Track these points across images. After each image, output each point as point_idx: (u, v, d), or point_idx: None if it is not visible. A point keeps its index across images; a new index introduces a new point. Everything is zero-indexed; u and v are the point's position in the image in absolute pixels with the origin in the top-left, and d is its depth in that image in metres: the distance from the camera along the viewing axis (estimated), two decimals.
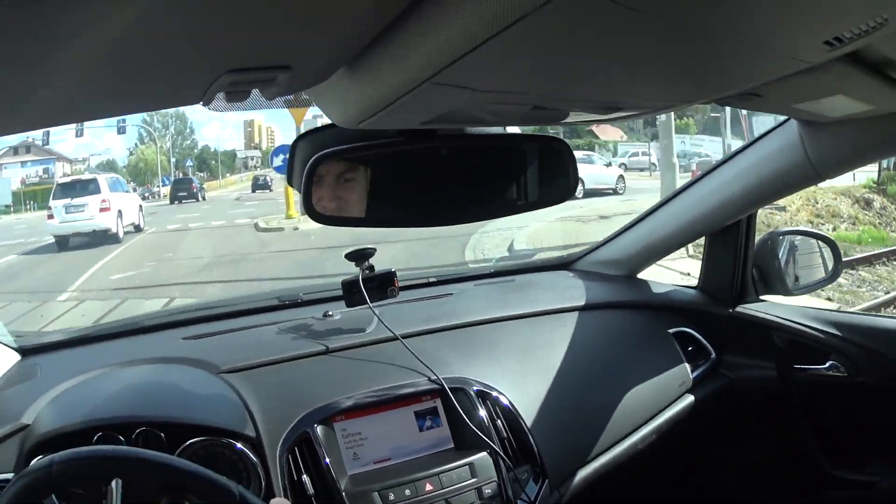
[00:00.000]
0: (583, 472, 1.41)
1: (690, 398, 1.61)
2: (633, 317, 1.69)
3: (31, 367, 1.40)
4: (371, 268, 1.44)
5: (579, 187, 14.92)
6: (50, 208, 11.90)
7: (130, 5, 0.42)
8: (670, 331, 1.68)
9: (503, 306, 1.63)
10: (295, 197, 12.65)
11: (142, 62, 0.54)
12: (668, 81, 0.83)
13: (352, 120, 0.78)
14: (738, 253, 1.68)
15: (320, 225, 1.00)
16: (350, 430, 1.25)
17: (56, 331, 1.62)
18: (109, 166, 24.18)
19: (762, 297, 1.73)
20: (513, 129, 1.10)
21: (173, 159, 27.51)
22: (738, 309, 1.71)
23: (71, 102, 0.63)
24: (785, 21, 0.62)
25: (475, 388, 1.35)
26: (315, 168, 0.95)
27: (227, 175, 30.71)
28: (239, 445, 1.19)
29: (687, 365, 1.63)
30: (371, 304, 1.42)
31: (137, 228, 13.36)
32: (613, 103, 0.86)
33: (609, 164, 17.21)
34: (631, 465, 1.50)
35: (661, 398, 1.56)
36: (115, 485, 0.91)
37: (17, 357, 1.46)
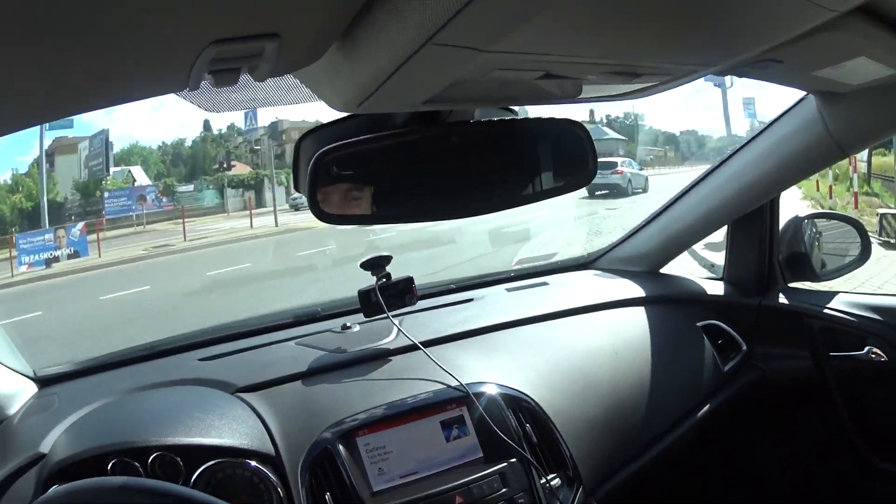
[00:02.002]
0: (618, 477, 1.35)
1: (724, 393, 1.55)
2: (659, 312, 1.63)
3: (49, 398, 1.38)
4: (387, 276, 1.39)
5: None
6: None
7: None
8: (699, 324, 1.62)
9: (526, 308, 1.58)
10: None
11: (117, 41, 0.50)
12: (685, 39, 0.78)
13: (350, 102, 0.74)
14: (762, 240, 1.63)
15: None
16: (373, 444, 1.20)
17: (72, 361, 1.58)
18: None
19: (791, 285, 1.67)
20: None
21: None
22: (768, 298, 1.65)
23: (49, 95, 0.59)
24: None
25: (501, 392, 1.29)
26: (319, 164, 0.91)
27: None
28: (258, 465, 1.15)
29: (718, 359, 1.58)
30: (389, 313, 1.37)
31: None
32: (629, 67, 0.82)
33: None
34: (667, 466, 1.44)
35: (693, 395, 1.51)
36: None
37: (35, 388, 1.44)
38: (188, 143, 28.19)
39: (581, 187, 1.07)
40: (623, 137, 33.30)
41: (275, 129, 25.62)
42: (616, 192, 15.57)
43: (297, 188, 1.05)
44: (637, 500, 1.39)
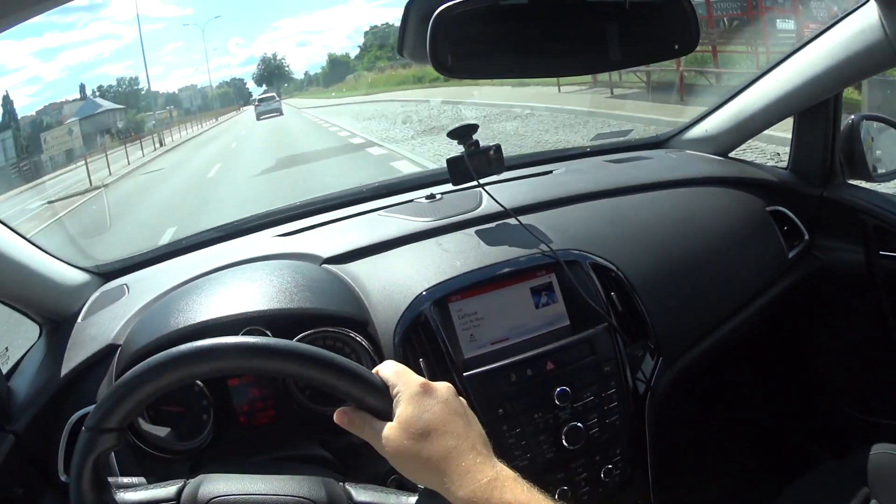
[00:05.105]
0: (691, 353, 1.38)
1: (787, 279, 1.57)
2: (732, 194, 1.64)
3: (117, 288, 1.35)
4: (476, 144, 1.39)
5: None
6: None
7: None
8: (767, 209, 1.63)
9: (608, 181, 1.58)
10: None
11: None
12: None
13: None
14: (826, 133, 1.64)
15: None
16: (465, 310, 1.21)
17: (135, 253, 1.55)
18: None
19: (849, 182, 1.70)
20: None
21: None
22: (829, 190, 1.67)
23: None
24: None
25: (589, 260, 1.31)
26: (443, 17, 0.93)
27: None
28: (351, 332, 1.14)
29: (784, 245, 1.60)
30: (479, 180, 1.38)
31: None
32: None
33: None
34: (734, 345, 1.47)
35: (759, 278, 1.53)
36: None
37: (100, 281, 1.42)
38: None
39: (686, 54, 1.07)
40: (121, 106, 39.69)
41: None
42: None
43: (401, 52, 1.06)
44: (704, 376, 1.43)
